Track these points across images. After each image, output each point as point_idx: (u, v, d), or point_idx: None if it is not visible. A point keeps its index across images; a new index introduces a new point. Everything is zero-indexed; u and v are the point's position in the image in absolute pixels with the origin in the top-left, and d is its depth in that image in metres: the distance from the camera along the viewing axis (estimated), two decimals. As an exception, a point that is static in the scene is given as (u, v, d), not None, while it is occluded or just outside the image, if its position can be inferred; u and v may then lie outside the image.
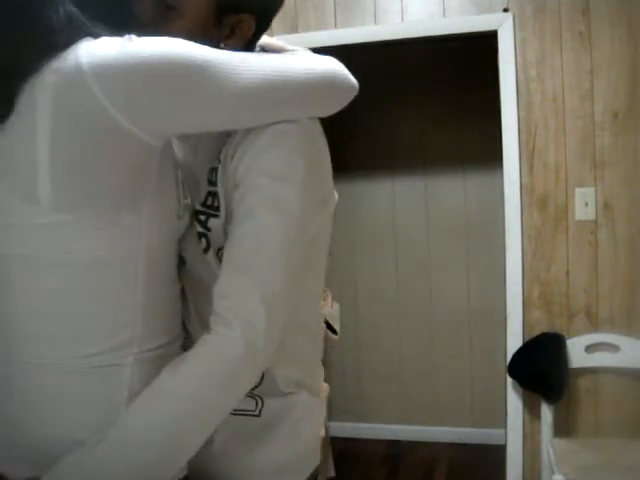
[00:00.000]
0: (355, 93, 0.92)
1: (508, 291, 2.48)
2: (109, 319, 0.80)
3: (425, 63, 3.27)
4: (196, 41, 0.77)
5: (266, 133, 0.82)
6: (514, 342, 2.47)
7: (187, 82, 0.74)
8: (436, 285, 3.47)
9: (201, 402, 0.76)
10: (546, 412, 2.37)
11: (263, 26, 0.93)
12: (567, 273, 2.43)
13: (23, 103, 0.71)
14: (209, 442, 0.82)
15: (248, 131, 0.84)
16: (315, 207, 0.87)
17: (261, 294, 0.79)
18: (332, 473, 2.92)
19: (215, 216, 0.88)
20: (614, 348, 2.38)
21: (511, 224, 2.45)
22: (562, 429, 2.43)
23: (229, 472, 0.93)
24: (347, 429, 3.56)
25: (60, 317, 0.79)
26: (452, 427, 3.47)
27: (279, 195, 0.81)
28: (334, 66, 0.88)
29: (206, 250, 0.89)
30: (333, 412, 3.51)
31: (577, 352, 2.39)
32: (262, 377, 0.90)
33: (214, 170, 0.89)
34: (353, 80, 0.91)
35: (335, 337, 2.60)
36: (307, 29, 2.58)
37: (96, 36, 0.74)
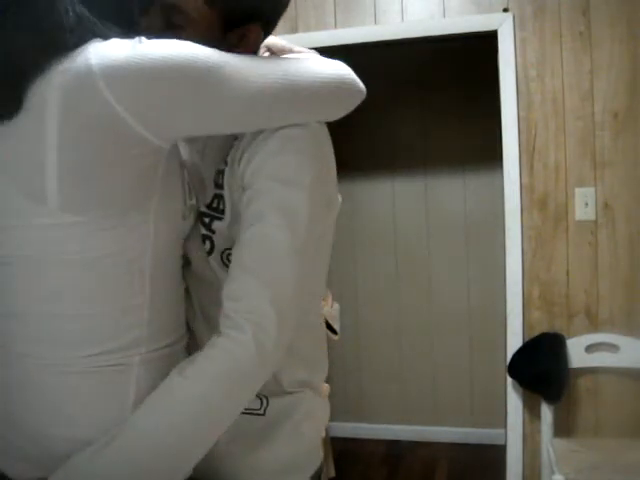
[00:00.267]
0: (363, 97, 0.92)
1: (508, 291, 2.48)
2: (115, 319, 0.80)
3: (425, 63, 3.27)
4: None
5: (275, 137, 0.82)
6: (514, 342, 2.47)
7: (197, 85, 0.74)
8: (436, 285, 3.47)
9: (212, 403, 0.77)
10: (546, 412, 2.37)
11: (269, 30, 0.93)
12: (567, 273, 2.43)
13: (31, 102, 0.71)
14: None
15: (256, 134, 0.84)
16: (321, 210, 0.87)
17: (271, 297, 0.79)
18: (332, 473, 2.92)
19: (219, 219, 0.88)
20: (614, 348, 2.39)
21: (511, 224, 2.45)
22: (562, 429, 2.43)
23: (234, 471, 0.93)
24: (347, 429, 3.55)
25: (63, 317, 0.78)
26: (452, 427, 3.47)
27: (288, 199, 0.82)
28: (342, 70, 0.88)
29: (210, 252, 0.89)
30: (333, 412, 3.45)
31: (577, 352, 2.39)
32: None
33: (221, 172, 0.89)
34: (361, 84, 0.91)
35: (335, 337, 2.59)
36: (307, 29, 2.58)
37: (106, 37, 0.74)
